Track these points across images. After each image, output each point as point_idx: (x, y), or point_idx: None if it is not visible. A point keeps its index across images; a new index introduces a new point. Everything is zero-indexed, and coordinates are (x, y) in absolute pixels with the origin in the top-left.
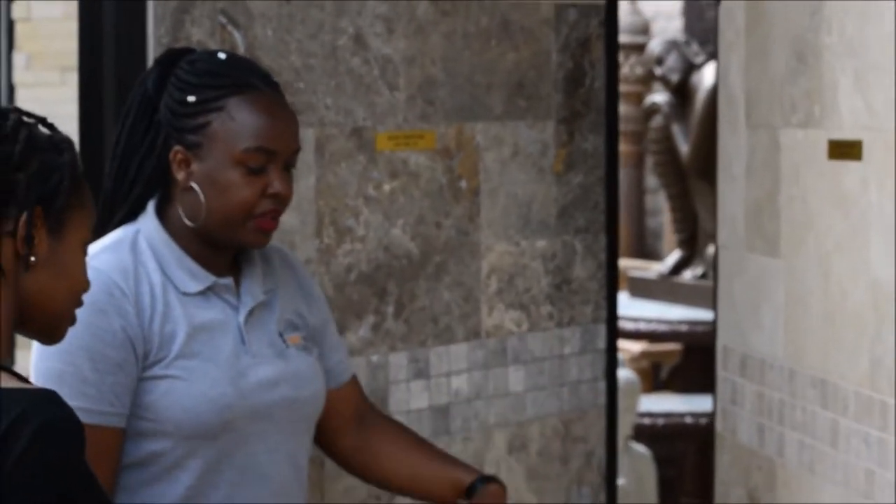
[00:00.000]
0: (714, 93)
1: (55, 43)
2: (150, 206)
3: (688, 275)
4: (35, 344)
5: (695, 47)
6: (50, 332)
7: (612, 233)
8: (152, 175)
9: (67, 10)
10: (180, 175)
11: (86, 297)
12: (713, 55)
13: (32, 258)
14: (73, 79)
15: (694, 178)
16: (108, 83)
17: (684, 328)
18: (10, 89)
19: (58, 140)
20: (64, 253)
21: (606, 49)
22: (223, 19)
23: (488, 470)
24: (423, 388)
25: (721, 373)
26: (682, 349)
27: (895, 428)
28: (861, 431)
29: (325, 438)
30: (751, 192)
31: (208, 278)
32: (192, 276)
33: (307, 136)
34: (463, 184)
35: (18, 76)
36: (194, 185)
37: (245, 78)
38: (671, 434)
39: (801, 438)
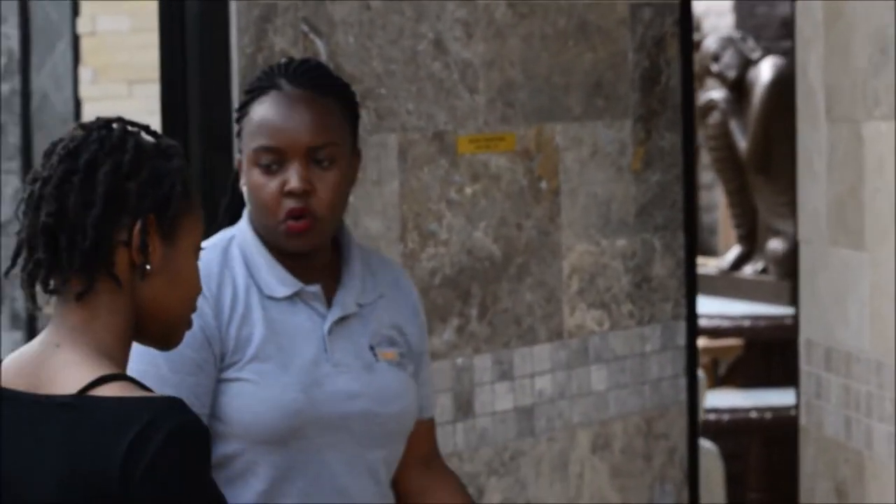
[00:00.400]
0: (773, 87)
1: (121, 56)
2: (245, 213)
3: (748, 270)
4: None
5: (751, 43)
6: (167, 339)
7: (691, 230)
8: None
9: (134, 23)
10: (241, 183)
11: None
12: (769, 50)
13: (148, 266)
14: (140, 91)
15: (752, 174)
16: (193, 95)
17: (746, 323)
18: (77, 104)
19: (165, 146)
20: (177, 259)
21: (681, 47)
22: (305, 27)
23: (572, 470)
24: (507, 390)
25: (804, 367)
26: (743, 344)
27: None
28: None
29: None
30: (833, 187)
31: (296, 284)
32: (280, 282)
33: (389, 141)
34: (543, 185)
35: (85, 90)
36: (244, 191)
37: (272, 80)
38: (736, 429)
39: (890, 430)
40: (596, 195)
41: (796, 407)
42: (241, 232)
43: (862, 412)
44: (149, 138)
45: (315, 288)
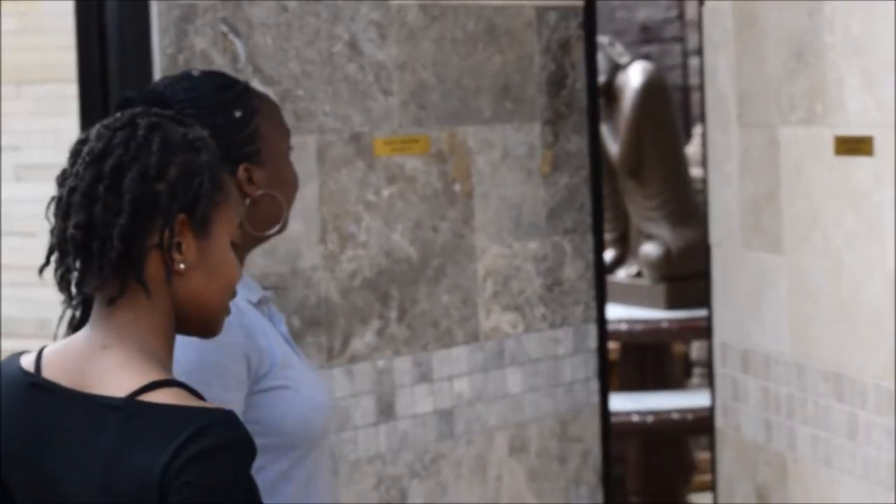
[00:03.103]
0: (643, 92)
1: (7, 57)
2: None
3: (622, 274)
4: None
5: (619, 48)
6: (208, 329)
7: (598, 233)
8: None
9: (22, 22)
10: (251, 190)
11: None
12: (641, 56)
13: (182, 265)
14: (28, 93)
15: (624, 178)
16: (114, 96)
17: (623, 327)
18: None
19: (193, 139)
20: (214, 251)
21: (586, 50)
22: (224, 28)
23: (491, 473)
24: (427, 392)
25: (720, 369)
26: (619, 348)
27: None
28: (882, 424)
29: None
30: (746, 190)
31: (259, 289)
32: (248, 287)
33: (308, 142)
34: (457, 187)
35: None
36: (268, 192)
37: (239, 79)
38: (617, 433)
39: (814, 432)
40: (507, 198)
41: (711, 409)
42: None
43: (783, 414)
44: (176, 129)
45: (270, 292)
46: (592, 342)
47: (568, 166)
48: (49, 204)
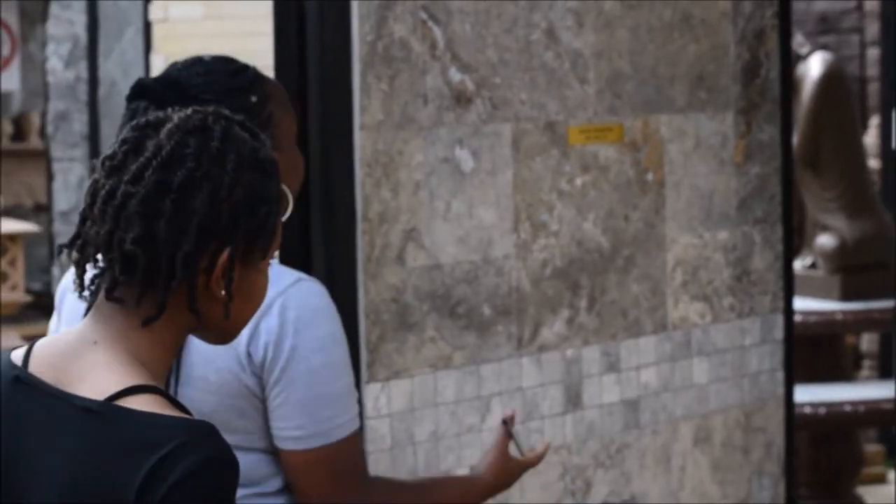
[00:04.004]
0: (822, 83)
1: (193, 43)
2: None
3: (797, 265)
4: (316, 363)
5: (799, 38)
6: (224, 341)
7: (788, 224)
8: None
9: (207, 10)
10: None
11: (330, 310)
12: (819, 47)
13: (223, 293)
14: None
15: (802, 168)
16: (313, 86)
17: (797, 318)
18: None
19: (264, 159)
20: (254, 278)
21: (780, 40)
22: (424, 15)
23: (675, 463)
24: (614, 382)
25: None
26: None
27: None
28: None
29: None
30: None
31: None
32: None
33: (503, 131)
34: (649, 176)
35: None
36: None
37: (248, 64)
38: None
39: None
40: (698, 187)
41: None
42: None
43: None
44: (247, 142)
45: None
46: (779, 333)
47: (760, 156)
48: (89, 189)
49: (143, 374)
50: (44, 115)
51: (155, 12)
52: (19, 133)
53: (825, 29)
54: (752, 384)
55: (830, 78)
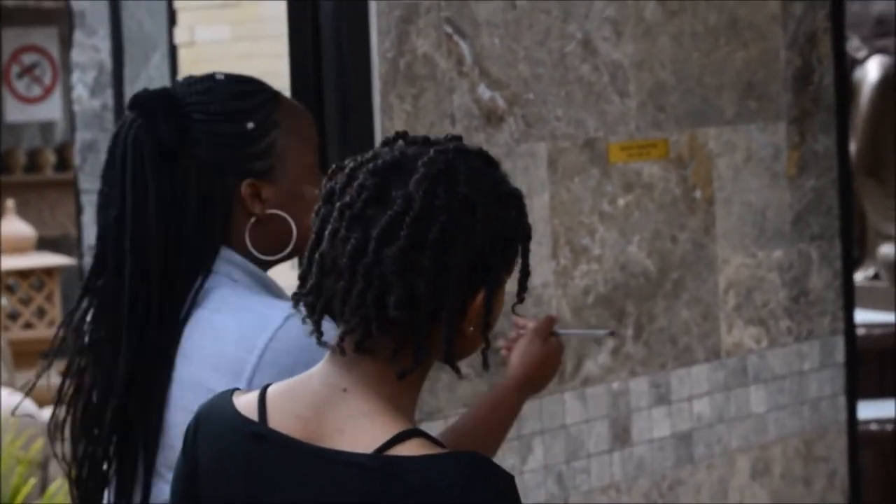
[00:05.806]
0: (880, 87)
1: (222, 66)
2: (225, 257)
3: (859, 276)
4: None
5: (855, 42)
6: (458, 360)
7: (847, 239)
8: (210, 228)
9: (234, 32)
10: (256, 208)
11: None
12: (876, 50)
13: (472, 329)
14: None
15: (861, 177)
16: (330, 103)
17: (861, 332)
18: None
19: (506, 193)
20: (496, 304)
21: (833, 43)
22: (449, 28)
23: (732, 498)
24: (665, 415)
25: None
26: None
27: None
28: None
29: None
30: None
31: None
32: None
33: (538, 150)
34: (697, 193)
35: None
36: (276, 212)
37: (268, 87)
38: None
39: None
40: (750, 203)
41: None
42: (238, 276)
43: None
44: (488, 178)
45: None
46: (840, 355)
47: (815, 168)
48: (324, 233)
49: (404, 420)
50: (71, 145)
51: (181, 35)
52: (63, 163)
53: (883, 32)
54: (812, 411)
55: (889, 82)
